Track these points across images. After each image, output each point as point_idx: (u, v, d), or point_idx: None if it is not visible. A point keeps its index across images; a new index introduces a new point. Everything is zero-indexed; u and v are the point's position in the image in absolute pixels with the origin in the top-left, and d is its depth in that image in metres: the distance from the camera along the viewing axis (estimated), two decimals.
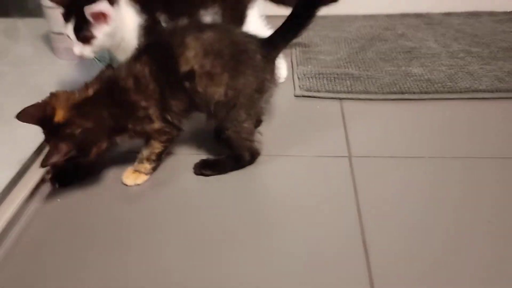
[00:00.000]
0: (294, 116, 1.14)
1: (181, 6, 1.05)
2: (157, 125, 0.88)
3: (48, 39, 1.41)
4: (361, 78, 1.26)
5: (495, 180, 0.91)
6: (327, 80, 1.26)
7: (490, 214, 0.82)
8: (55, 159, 0.79)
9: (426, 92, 1.19)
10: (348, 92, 1.21)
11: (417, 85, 1.21)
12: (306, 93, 1.22)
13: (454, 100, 1.17)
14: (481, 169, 0.93)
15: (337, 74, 1.28)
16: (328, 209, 0.85)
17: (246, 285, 0.71)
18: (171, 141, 0.92)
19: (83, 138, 0.81)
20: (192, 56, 0.83)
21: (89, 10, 0.91)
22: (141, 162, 0.92)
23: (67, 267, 0.75)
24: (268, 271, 0.73)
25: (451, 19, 1.63)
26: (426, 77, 1.25)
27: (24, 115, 0.81)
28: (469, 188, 0.89)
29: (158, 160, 0.93)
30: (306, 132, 1.06)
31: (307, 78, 1.27)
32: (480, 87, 1.19)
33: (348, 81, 1.25)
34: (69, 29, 0.95)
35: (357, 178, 0.92)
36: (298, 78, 1.28)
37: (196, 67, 0.84)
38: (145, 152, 0.91)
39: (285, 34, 0.90)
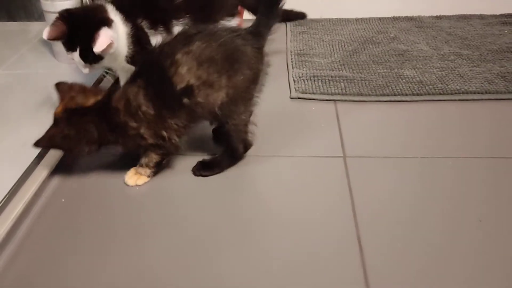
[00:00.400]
0: (290, 118, 1.17)
1: (157, 14, 1.08)
2: (150, 141, 0.90)
3: (49, 43, 1.44)
4: (355, 80, 1.29)
5: (484, 179, 0.94)
6: (321, 82, 1.29)
7: (481, 212, 0.86)
8: (41, 145, 0.90)
9: (417, 94, 1.23)
10: (342, 94, 1.24)
11: (409, 87, 1.25)
12: (301, 95, 1.25)
13: (445, 101, 1.21)
14: (471, 168, 0.97)
15: (331, 77, 1.32)
16: (324, 209, 0.88)
17: (240, 283, 0.74)
18: (167, 154, 0.95)
19: (61, 142, 0.90)
20: (185, 72, 0.84)
21: (99, 49, 0.94)
22: (141, 166, 0.95)
23: (69, 264, 0.77)
24: (263, 269, 0.76)
25: (442, 22, 1.67)
26: (417, 79, 1.29)
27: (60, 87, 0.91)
28: (460, 186, 0.92)
29: (157, 167, 0.95)
30: (302, 133, 1.10)
31: (302, 81, 1.30)
32: (470, 89, 1.23)
33: (342, 83, 1.28)
34: (76, 56, 0.98)
35: (351, 178, 0.95)
36: (294, 80, 1.31)
37: (192, 81, 0.85)
38: (143, 160, 0.94)
39: (266, 20, 0.92)
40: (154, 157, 0.93)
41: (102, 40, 0.93)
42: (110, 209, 0.89)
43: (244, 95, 0.91)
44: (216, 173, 0.97)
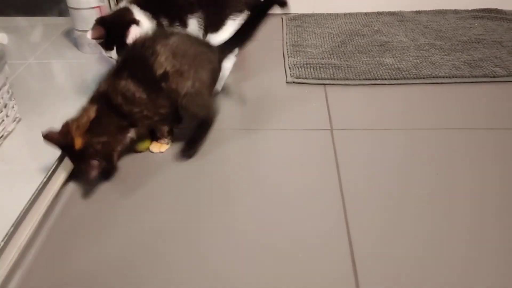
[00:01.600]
0: (286, 99, 1.37)
1: (175, 11, 1.26)
2: (155, 118, 1.05)
3: (70, 36, 1.62)
4: (342, 67, 1.49)
5: (450, 146, 1.14)
6: (313, 69, 1.49)
7: (447, 173, 1.06)
8: (93, 174, 0.95)
9: (395, 78, 1.43)
10: (331, 79, 1.44)
11: (388, 72, 1.45)
12: (296, 80, 1.44)
13: (418, 84, 1.41)
14: (439, 138, 1.17)
15: (322, 64, 1.51)
16: (313, 173, 1.07)
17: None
18: (173, 123, 1.12)
19: (104, 150, 0.97)
20: (163, 60, 1.00)
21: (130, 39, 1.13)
22: (159, 138, 1.14)
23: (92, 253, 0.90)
24: (251, 238, 0.91)
25: (420, 17, 1.87)
26: (396, 66, 1.49)
27: (49, 139, 0.95)
28: (431, 153, 1.12)
29: (171, 134, 1.14)
30: (295, 111, 1.29)
31: (296, 68, 1.50)
32: (440, 74, 1.43)
33: (331, 70, 1.48)
34: (114, 53, 1.18)
35: (337, 147, 1.15)
36: (289, 67, 1.51)
37: (168, 68, 1.00)
38: (158, 134, 1.13)
39: (232, 44, 1.16)
40: (164, 128, 1.11)
41: (133, 35, 1.13)
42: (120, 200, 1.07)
43: (208, 86, 1.08)
44: (200, 145, 1.13)
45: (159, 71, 1.01)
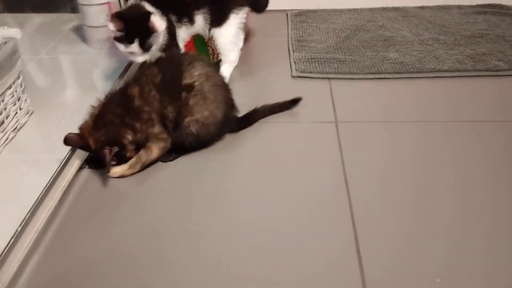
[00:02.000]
0: (291, 92, 1.37)
1: (183, 7, 1.29)
2: (156, 129, 1.06)
3: (81, 33, 1.65)
4: (346, 62, 1.51)
5: (453, 138, 1.16)
6: (318, 63, 1.52)
7: (449, 165, 1.08)
8: (108, 160, 1.01)
9: (398, 72, 1.45)
10: (335, 73, 1.46)
11: (392, 66, 1.47)
12: (301, 74, 1.47)
13: (421, 78, 1.43)
14: (442, 131, 1.19)
15: (326, 59, 1.54)
16: (319, 164, 1.09)
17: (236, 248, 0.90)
18: (164, 150, 1.08)
19: (108, 138, 1.02)
20: (196, 74, 1.05)
21: (161, 28, 1.16)
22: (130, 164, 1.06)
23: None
24: (259, 226, 0.94)
25: (424, 12, 1.89)
26: (399, 60, 1.51)
27: (70, 143, 1.02)
28: (433, 145, 1.14)
29: (142, 169, 1.07)
30: (301, 104, 1.31)
31: (301, 62, 1.52)
32: (443, 68, 1.45)
33: (335, 64, 1.50)
34: (135, 46, 1.18)
35: (341, 138, 1.17)
36: (294, 62, 1.53)
37: (196, 83, 1.05)
38: (139, 155, 1.06)
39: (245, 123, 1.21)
40: (154, 152, 1.07)
41: (158, 23, 1.16)
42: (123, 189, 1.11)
43: (214, 127, 1.11)
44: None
45: (186, 81, 1.05)
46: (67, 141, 1.01)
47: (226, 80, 1.35)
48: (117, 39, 1.19)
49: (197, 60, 1.10)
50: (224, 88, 1.14)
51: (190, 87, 1.06)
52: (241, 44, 1.44)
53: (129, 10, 1.22)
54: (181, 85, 1.06)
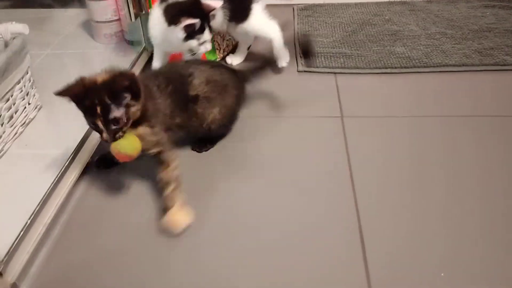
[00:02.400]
0: (298, 87, 1.39)
1: None
2: (156, 129, 0.95)
3: (86, 26, 1.66)
4: (353, 56, 1.51)
5: (460, 133, 1.16)
6: (324, 58, 1.51)
7: (456, 159, 1.08)
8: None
9: (405, 67, 1.44)
10: (342, 68, 1.46)
11: (398, 61, 1.47)
12: (307, 69, 1.47)
13: (428, 73, 1.43)
14: (449, 126, 1.19)
15: (333, 53, 1.53)
16: (325, 158, 1.10)
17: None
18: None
19: (133, 85, 0.87)
20: (197, 84, 1.05)
21: (219, 4, 1.18)
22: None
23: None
24: (265, 220, 0.96)
25: (432, 6, 1.87)
26: (406, 54, 1.50)
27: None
28: (439, 139, 1.14)
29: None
30: (307, 99, 1.32)
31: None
32: (450, 62, 1.45)
33: (341, 59, 1.50)
34: (207, 33, 1.18)
35: (347, 133, 1.18)
36: (300, 56, 1.53)
37: (200, 93, 1.05)
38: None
39: (254, 74, 1.20)
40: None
41: (211, 1, 1.16)
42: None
43: (231, 111, 1.12)
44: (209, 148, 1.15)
45: (192, 92, 1.05)
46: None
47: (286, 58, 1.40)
48: (189, 36, 1.16)
49: (196, 68, 1.07)
50: (222, 74, 1.11)
51: (195, 98, 1.05)
52: (251, 41, 1.45)
53: (180, 5, 1.17)
54: (189, 97, 1.05)
